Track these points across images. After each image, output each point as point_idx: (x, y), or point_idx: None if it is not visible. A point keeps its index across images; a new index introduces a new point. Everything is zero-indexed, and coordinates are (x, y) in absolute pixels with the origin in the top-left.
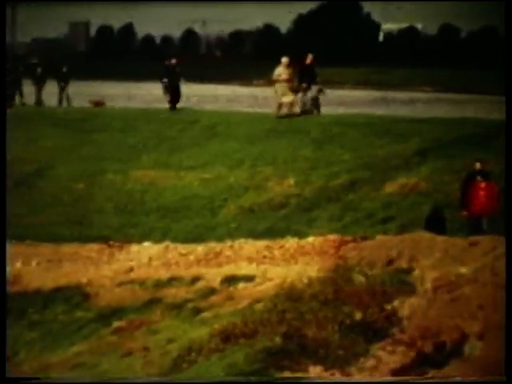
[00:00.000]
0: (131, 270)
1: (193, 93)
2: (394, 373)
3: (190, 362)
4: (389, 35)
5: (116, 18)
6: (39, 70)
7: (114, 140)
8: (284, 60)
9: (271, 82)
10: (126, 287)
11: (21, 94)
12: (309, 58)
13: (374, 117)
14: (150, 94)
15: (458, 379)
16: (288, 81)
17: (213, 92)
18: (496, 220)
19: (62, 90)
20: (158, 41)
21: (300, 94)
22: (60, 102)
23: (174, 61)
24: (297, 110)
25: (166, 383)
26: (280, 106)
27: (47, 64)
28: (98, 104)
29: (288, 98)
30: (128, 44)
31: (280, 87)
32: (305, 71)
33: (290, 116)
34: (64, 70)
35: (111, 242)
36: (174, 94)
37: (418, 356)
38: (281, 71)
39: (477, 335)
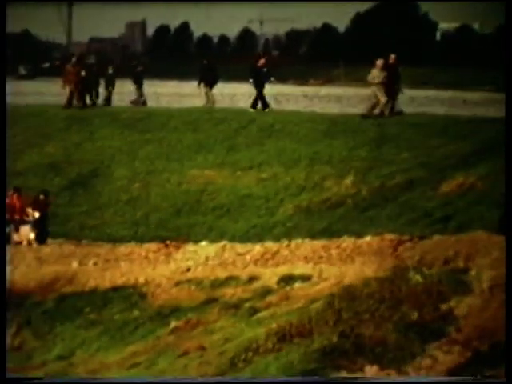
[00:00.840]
0: (188, 269)
1: (250, 92)
2: (450, 372)
3: (247, 362)
4: (445, 35)
5: (173, 17)
6: (111, 69)
7: (170, 140)
8: (379, 62)
9: (327, 82)
10: (182, 287)
11: (97, 95)
12: (391, 58)
13: (432, 116)
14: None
15: (458, 379)
16: (383, 83)
17: (269, 91)
18: None
19: (139, 89)
20: (214, 40)
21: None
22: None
23: (262, 61)
24: (387, 111)
25: (173, 383)
26: (373, 107)
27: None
28: (137, 104)
29: (383, 100)
30: (184, 44)
31: (375, 89)
32: (390, 72)
33: (380, 117)
34: (139, 69)
35: (168, 242)
36: (260, 95)
37: (474, 356)
38: (376, 73)
39: None
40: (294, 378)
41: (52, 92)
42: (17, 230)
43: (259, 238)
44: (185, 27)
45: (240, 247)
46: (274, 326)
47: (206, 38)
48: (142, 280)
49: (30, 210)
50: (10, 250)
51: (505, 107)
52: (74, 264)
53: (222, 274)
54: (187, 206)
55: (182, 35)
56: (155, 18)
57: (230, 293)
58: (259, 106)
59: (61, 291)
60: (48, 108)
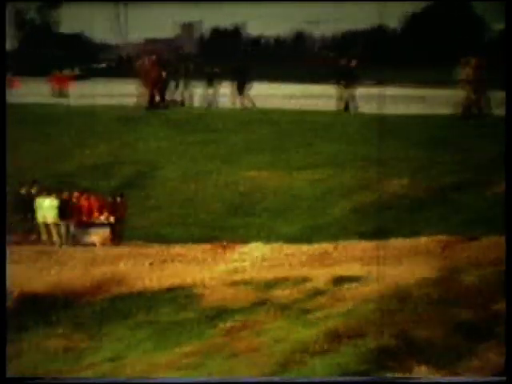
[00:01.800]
0: (240, 270)
1: (305, 93)
2: (500, 373)
3: (297, 363)
4: (499, 35)
5: (228, 18)
6: (184, 70)
7: (223, 140)
8: (472, 61)
9: (380, 83)
10: (234, 288)
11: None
12: (478, 59)
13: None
14: (260, 94)
15: (459, 379)
16: (473, 82)
17: (324, 92)
18: None
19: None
20: (270, 41)
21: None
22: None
23: (354, 62)
24: (475, 110)
25: (169, 383)
26: (468, 106)
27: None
28: (176, 103)
29: (472, 98)
30: (240, 45)
31: (466, 88)
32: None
33: (477, 117)
34: (215, 70)
35: (220, 243)
36: (352, 97)
37: None
38: (468, 72)
39: None
40: (344, 379)
41: (106, 93)
42: (94, 231)
43: (311, 239)
44: (240, 27)
45: (291, 248)
46: (324, 327)
47: (261, 39)
48: (193, 281)
49: (105, 213)
50: (59, 251)
51: (505, 107)
52: (126, 265)
53: (273, 275)
54: (239, 207)
55: (237, 36)
56: (210, 18)
57: (281, 294)
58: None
59: (111, 292)
60: (99, 108)
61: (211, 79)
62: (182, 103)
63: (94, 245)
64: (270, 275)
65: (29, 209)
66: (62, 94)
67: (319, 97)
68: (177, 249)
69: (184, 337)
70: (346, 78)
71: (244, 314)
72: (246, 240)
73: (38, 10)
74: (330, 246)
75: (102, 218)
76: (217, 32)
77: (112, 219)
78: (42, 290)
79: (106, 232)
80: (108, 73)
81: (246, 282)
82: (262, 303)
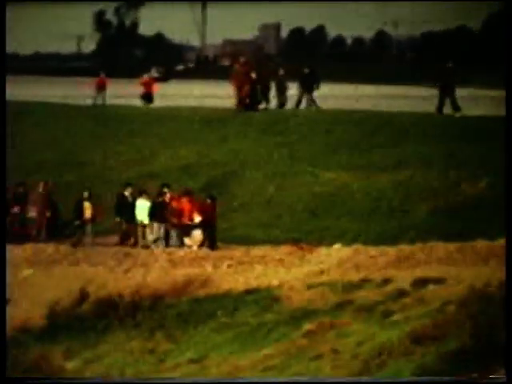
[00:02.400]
0: (322, 272)
1: (385, 94)
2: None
3: (380, 365)
4: None
5: (308, 19)
6: (281, 72)
7: (305, 142)
8: None
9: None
10: (316, 290)
11: (266, 98)
12: None
13: None
14: (345, 95)
15: (459, 379)
16: None
17: (405, 93)
18: None
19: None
20: (349, 42)
21: None
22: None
23: (450, 63)
24: None
25: (167, 383)
26: None
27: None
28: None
29: None
30: (319, 45)
31: None
32: None
33: None
34: (306, 71)
35: (302, 245)
36: (452, 98)
37: None
38: None
39: None
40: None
41: (186, 94)
42: (187, 234)
43: (393, 241)
44: (319, 28)
45: (374, 250)
46: (407, 328)
47: (340, 39)
48: (275, 283)
49: (195, 215)
50: (142, 253)
51: (505, 106)
52: (208, 267)
53: (355, 276)
54: (321, 209)
55: (316, 37)
56: (289, 19)
57: (363, 295)
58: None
59: (194, 294)
60: (182, 110)
61: (304, 81)
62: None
63: (189, 247)
64: (353, 277)
65: (129, 211)
66: (147, 96)
67: (398, 98)
68: (260, 250)
69: (267, 338)
70: (444, 79)
71: (327, 315)
72: (328, 242)
73: (116, 11)
74: (412, 248)
75: (197, 220)
76: (296, 33)
77: (196, 221)
78: (126, 292)
79: (200, 235)
80: (187, 74)
81: (329, 284)
82: (345, 305)
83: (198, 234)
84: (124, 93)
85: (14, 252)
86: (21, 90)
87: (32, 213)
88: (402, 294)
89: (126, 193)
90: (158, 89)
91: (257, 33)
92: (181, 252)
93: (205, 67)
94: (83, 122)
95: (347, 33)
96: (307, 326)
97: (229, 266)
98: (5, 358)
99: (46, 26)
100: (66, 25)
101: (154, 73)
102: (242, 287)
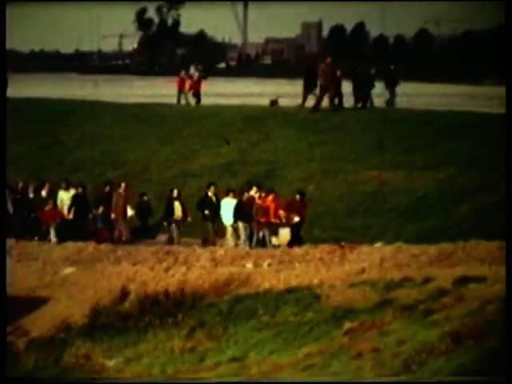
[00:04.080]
0: (363, 271)
1: (426, 92)
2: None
3: (420, 364)
4: None
5: (348, 17)
6: (373, 71)
7: (346, 140)
8: None
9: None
10: (357, 288)
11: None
12: None
13: None
14: (385, 95)
15: (459, 379)
16: None
17: (444, 91)
18: None
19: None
20: (390, 41)
21: None
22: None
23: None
24: None
25: (168, 383)
26: None
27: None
28: (274, 103)
29: None
30: (360, 44)
31: None
32: None
33: None
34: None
35: (343, 243)
36: None
37: None
38: None
39: None
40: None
41: (227, 92)
42: (274, 233)
43: (434, 239)
44: (360, 27)
45: (415, 248)
46: (448, 327)
47: (381, 38)
48: (316, 281)
49: (288, 214)
50: (184, 252)
51: (505, 104)
52: (249, 265)
53: (396, 275)
54: (362, 207)
55: (357, 35)
56: (331, 18)
57: (404, 294)
58: None
59: (235, 293)
60: (223, 108)
61: (390, 79)
62: (273, 103)
63: (277, 246)
64: (394, 275)
65: (213, 210)
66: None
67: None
68: (300, 249)
69: (308, 337)
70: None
71: (368, 314)
72: (369, 240)
73: (158, 9)
74: (454, 246)
75: (284, 218)
76: (337, 31)
77: (296, 220)
78: (167, 290)
79: (288, 233)
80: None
81: (370, 283)
82: (386, 304)
83: (285, 232)
84: (166, 91)
85: (54, 251)
86: (64, 88)
87: (113, 214)
88: (442, 292)
89: (209, 192)
90: (202, 87)
91: (299, 31)
92: (222, 250)
93: (246, 65)
94: (124, 121)
95: (389, 31)
96: (348, 325)
97: (269, 265)
98: (5, 357)
99: (88, 25)
100: (107, 24)
101: (193, 70)
102: (282, 286)
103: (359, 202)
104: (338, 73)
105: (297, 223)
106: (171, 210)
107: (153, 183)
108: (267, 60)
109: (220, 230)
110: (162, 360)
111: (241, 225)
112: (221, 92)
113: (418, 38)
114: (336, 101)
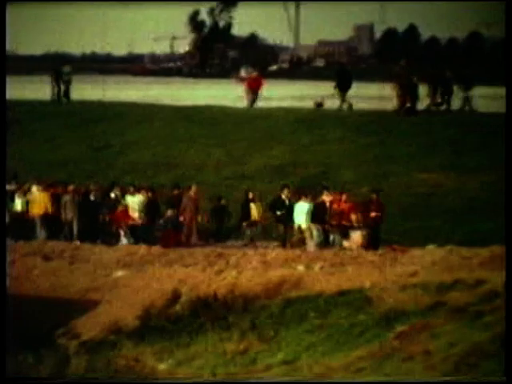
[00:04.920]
0: (415, 273)
1: (478, 95)
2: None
3: (471, 366)
4: None
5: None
6: (448, 74)
7: (398, 142)
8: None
9: None
10: (409, 291)
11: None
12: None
13: None
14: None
15: (459, 379)
16: None
17: (495, 94)
18: None
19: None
20: (442, 43)
21: None
22: None
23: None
24: None
25: (167, 383)
26: None
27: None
28: (320, 105)
29: None
30: (412, 46)
31: None
32: None
33: None
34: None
35: (395, 246)
36: None
37: None
38: None
39: None
40: None
41: (279, 95)
42: (346, 236)
43: (486, 242)
44: (412, 29)
45: (466, 251)
46: (499, 329)
47: (433, 40)
48: (368, 284)
49: (364, 215)
50: (235, 254)
51: (505, 103)
52: (300, 268)
53: (448, 277)
54: (414, 209)
55: (409, 37)
56: (382, 19)
57: (456, 297)
58: None
59: (286, 295)
60: (275, 111)
61: (465, 82)
62: (319, 105)
63: (350, 249)
64: (445, 278)
65: (286, 213)
66: (254, 96)
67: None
68: (352, 252)
69: (359, 340)
70: None
71: (420, 316)
72: (421, 243)
73: (210, 12)
74: (505, 248)
75: (356, 221)
76: (389, 33)
77: (369, 220)
78: (218, 293)
79: (359, 236)
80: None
81: (421, 285)
82: (437, 306)
83: (357, 235)
84: (217, 93)
85: (106, 253)
86: (117, 91)
87: (182, 217)
88: (494, 295)
89: (283, 195)
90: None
91: (351, 33)
92: (273, 253)
93: (298, 68)
94: (177, 123)
95: (441, 33)
96: (399, 328)
97: (321, 268)
98: (5, 357)
99: (140, 27)
100: (160, 26)
101: (243, 73)
102: (334, 288)
103: (411, 204)
104: (415, 78)
105: (374, 224)
106: (248, 212)
107: (205, 185)
108: (320, 62)
109: (292, 233)
110: (213, 362)
111: (315, 228)
112: (273, 94)
113: (470, 40)
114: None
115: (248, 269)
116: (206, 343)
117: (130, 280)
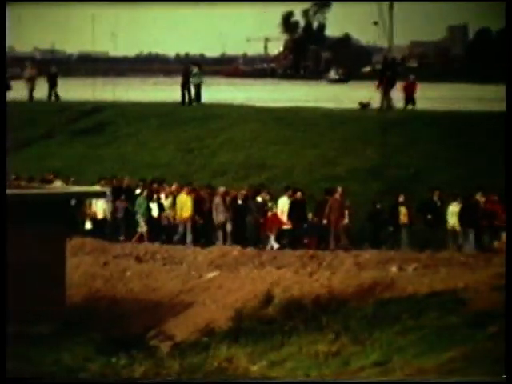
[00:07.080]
0: None
1: None
2: None
3: None
4: None
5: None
6: None
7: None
8: None
9: None
10: (501, 292)
11: None
12: None
13: None
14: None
15: (458, 379)
16: None
17: None
18: None
19: None
20: None
21: None
22: None
23: None
24: None
25: (168, 383)
26: None
27: None
28: (365, 106)
29: None
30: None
31: None
32: None
33: None
34: None
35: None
36: None
37: None
38: None
39: None
40: None
41: (371, 95)
42: (498, 237)
43: None
44: (505, 29)
45: None
46: None
47: None
48: (461, 285)
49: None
50: (328, 256)
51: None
52: (394, 269)
53: None
54: None
55: (503, 38)
56: (476, 20)
57: None
58: None
59: (379, 296)
60: (365, 112)
61: None
62: (364, 105)
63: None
64: None
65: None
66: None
67: None
68: (443, 253)
69: (452, 341)
70: None
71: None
72: None
73: (304, 13)
74: None
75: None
76: (483, 34)
77: None
78: (311, 295)
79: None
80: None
81: None
82: None
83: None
84: (310, 95)
85: (199, 255)
86: (211, 92)
87: (325, 220)
88: None
89: (435, 196)
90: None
91: (444, 34)
92: (367, 255)
93: (392, 69)
94: (269, 125)
95: None
96: (492, 329)
97: (415, 269)
98: (5, 358)
99: (233, 28)
100: (253, 26)
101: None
102: (426, 290)
103: None
104: None
105: None
106: (396, 215)
107: (295, 186)
108: (413, 63)
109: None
110: (305, 364)
111: (467, 230)
112: (364, 95)
113: None
114: None
115: (341, 270)
116: (299, 345)
117: (223, 281)
